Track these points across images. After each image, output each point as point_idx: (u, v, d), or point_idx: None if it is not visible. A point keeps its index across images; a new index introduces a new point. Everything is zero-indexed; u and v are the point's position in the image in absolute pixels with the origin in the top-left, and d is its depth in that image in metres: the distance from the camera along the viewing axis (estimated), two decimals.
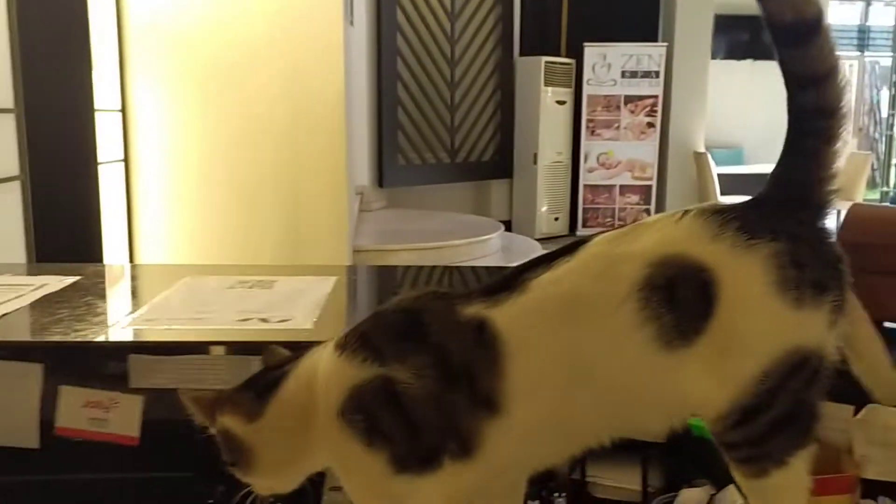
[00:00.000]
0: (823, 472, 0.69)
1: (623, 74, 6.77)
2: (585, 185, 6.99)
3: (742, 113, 7.73)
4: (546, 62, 6.68)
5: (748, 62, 7.92)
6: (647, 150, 6.91)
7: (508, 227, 5.92)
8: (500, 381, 0.59)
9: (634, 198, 7.00)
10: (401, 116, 6.26)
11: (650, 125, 6.87)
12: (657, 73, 6.78)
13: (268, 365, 0.66)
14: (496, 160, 6.97)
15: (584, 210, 7.03)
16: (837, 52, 0.64)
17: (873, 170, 8.22)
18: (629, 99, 6.83)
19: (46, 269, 1.18)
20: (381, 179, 6.16)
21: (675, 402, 0.62)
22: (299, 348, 0.65)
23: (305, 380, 0.62)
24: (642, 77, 6.79)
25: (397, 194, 6.27)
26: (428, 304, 0.63)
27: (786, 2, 0.62)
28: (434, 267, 1.51)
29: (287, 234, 3.85)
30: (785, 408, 0.61)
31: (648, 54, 6.77)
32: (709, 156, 6.84)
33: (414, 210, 6.08)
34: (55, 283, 1.10)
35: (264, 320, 0.93)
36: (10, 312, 0.95)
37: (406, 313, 0.63)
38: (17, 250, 2.85)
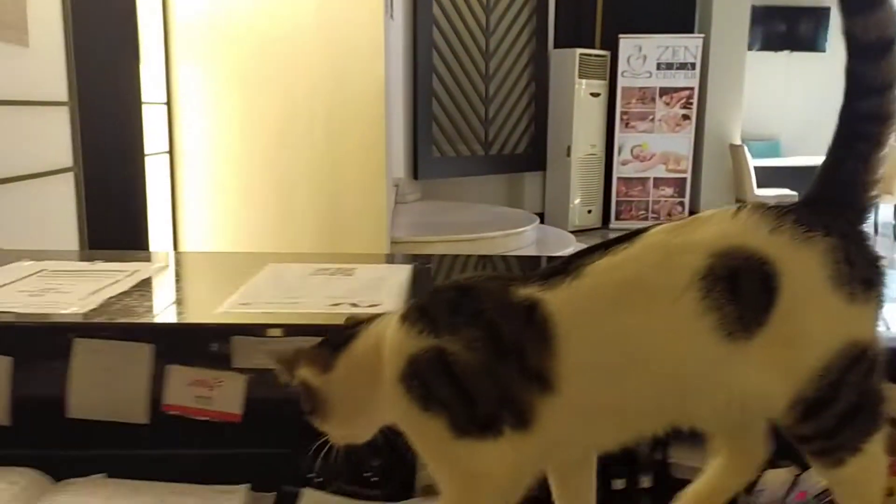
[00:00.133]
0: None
1: (658, 66, 6.72)
2: (619, 178, 6.96)
3: (779, 104, 7.63)
4: (580, 54, 6.66)
5: (785, 53, 7.82)
6: (681, 143, 6.86)
7: (541, 219, 5.91)
8: (550, 361, 0.61)
9: (668, 190, 6.96)
10: (435, 109, 6.29)
11: (685, 117, 6.82)
12: (693, 65, 6.72)
13: (343, 326, 0.71)
14: (530, 153, 6.97)
15: (618, 203, 7.01)
16: None
17: None
18: (664, 91, 6.78)
19: (99, 255, 1.24)
20: (415, 171, 6.20)
21: (733, 393, 0.63)
22: None
23: (374, 341, 0.67)
24: (678, 69, 6.73)
25: (431, 186, 6.30)
26: (482, 283, 0.67)
27: (873, 25, 0.64)
28: (504, 256, 1.53)
29: (326, 225, 3.90)
30: (850, 400, 0.62)
31: (684, 46, 6.71)
32: (745, 148, 6.76)
33: (448, 202, 6.11)
34: (146, 269, 1.15)
35: (354, 305, 0.97)
36: (114, 296, 1.00)
37: (461, 290, 0.67)
38: (70, 238, 2.94)
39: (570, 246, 5.06)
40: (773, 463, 0.85)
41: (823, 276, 0.62)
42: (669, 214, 6.90)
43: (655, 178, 6.93)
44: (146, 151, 3.51)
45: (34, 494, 0.83)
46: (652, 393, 0.63)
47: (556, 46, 6.86)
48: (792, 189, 6.47)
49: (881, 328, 0.66)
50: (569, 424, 0.63)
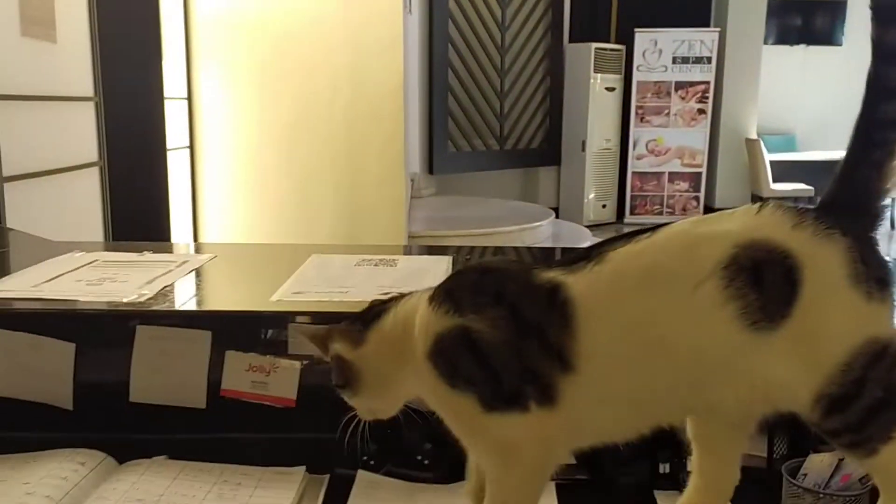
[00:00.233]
0: None
1: (674, 60, 6.70)
2: (634, 173, 6.95)
3: (794, 99, 7.59)
4: (596, 48, 6.65)
5: (801, 47, 7.77)
6: (697, 137, 6.84)
7: (556, 214, 5.92)
8: (571, 341, 0.63)
9: (684, 185, 6.94)
10: (451, 104, 6.30)
11: (701, 111, 6.80)
12: (709, 59, 6.70)
13: (375, 302, 0.75)
14: (544, 147, 6.97)
15: (633, 197, 7.00)
16: None
17: None
18: (680, 85, 6.76)
19: (124, 247, 1.27)
20: (431, 166, 6.22)
21: (756, 382, 0.65)
22: None
23: (402, 318, 0.70)
24: (694, 63, 6.71)
25: (446, 181, 6.32)
26: (505, 265, 0.71)
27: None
28: (529, 248, 1.55)
29: (344, 219, 3.93)
30: (875, 395, 0.64)
31: (700, 40, 6.68)
32: (761, 142, 6.74)
33: (463, 197, 6.13)
34: (194, 260, 1.18)
35: (403, 295, 0.99)
36: (169, 285, 1.03)
37: (485, 272, 0.71)
38: (95, 230, 2.98)
39: (585, 240, 5.06)
40: (816, 448, 0.87)
41: (843, 274, 0.64)
42: (684, 209, 6.89)
43: (670, 173, 6.92)
44: (168, 146, 3.55)
45: (101, 475, 0.86)
46: (672, 378, 0.65)
47: (571, 41, 6.85)
48: (807, 184, 6.45)
49: None
50: (590, 406, 0.65)
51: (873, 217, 0.68)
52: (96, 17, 2.96)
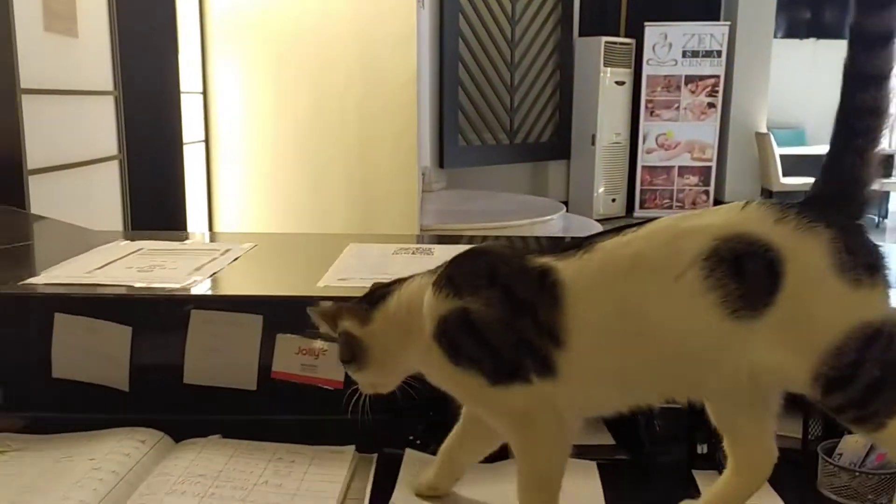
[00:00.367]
0: None
1: (684, 54, 6.71)
2: (643, 167, 6.96)
3: (804, 92, 7.58)
4: (605, 42, 6.66)
5: (811, 41, 7.77)
6: (707, 131, 6.85)
7: (566, 208, 5.95)
8: (560, 319, 0.68)
9: (693, 179, 6.95)
10: (461, 98, 6.32)
11: (711, 105, 6.81)
12: (719, 53, 6.70)
13: (378, 285, 0.80)
14: (554, 141, 6.99)
15: (642, 191, 7.02)
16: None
17: None
18: (690, 79, 6.77)
19: (143, 236, 1.30)
20: (441, 160, 6.24)
21: (740, 365, 0.68)
22: None
23: (406, 299, 0.75)
24: (704, 57, 6.72)
25: (457, 175, 6.35)
26: (499, 249, 0.75)
27: (876, 19, 0.69)
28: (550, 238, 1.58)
29: (357, 212, 3.96)
30: (874, 374, 0.66)
31: (710, 33, 6.69)
32: (771, 136, 6.75)
33: (474, 190, 6.16)
34: (236, 249, 1.21)
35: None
36: (217, 272, 1.07)
37: (481, 256, 0.75)
38: (115, 221, 3.03)
39: None
40: (849, 430, 0.90)
41: (827, 264, 0.67)
42: (694, 203, 6.91)
43: (680, 167, 6.93)
44: (184, 140, 3.59)
45: (161, 452, 0.89)
46: (657, 360, 0.70)
47: (581, 34, 6.86)
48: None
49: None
50: (585, 379, 0.70)
51: (860, 205, 0.71)
52: (115, 12, 2.99)
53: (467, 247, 0.78)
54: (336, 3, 3.78)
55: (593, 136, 6.81)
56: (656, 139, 6.91)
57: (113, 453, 0.86)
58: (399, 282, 0.78)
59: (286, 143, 3.94)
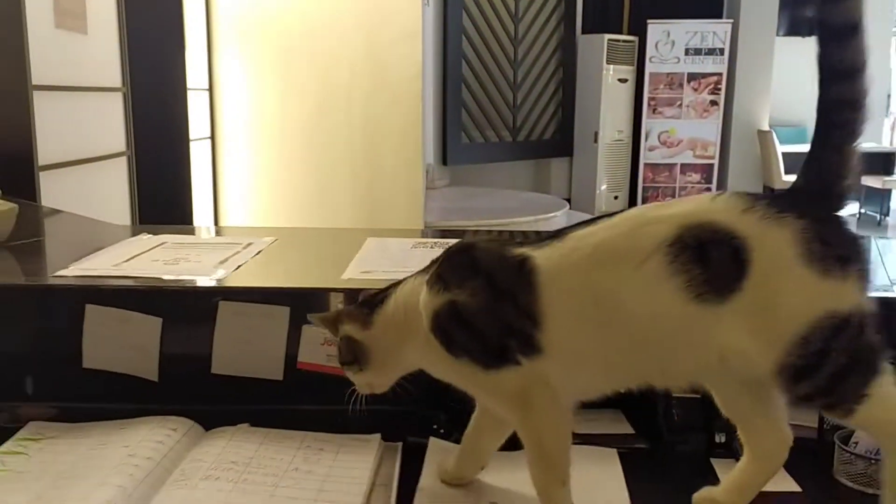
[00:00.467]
0: None
1: (687, 52, 6.72)
2: (646, 164, 6.97)
3: (807, 90, 7.59)
4: (608, 40, 6.67)
5: (813, 39, 7.74)
6: (709, 129, 6.86)
7: (568, 205, 5.96)
8: (537, 303, 0.72)
9: (696, 176, 6.97)
10: (465, 95, 6.33)
11: (713, 103, 6.82)
12: (722, 50, 6.71)
13: (376, 291, 0.84)
14: (557, 138, 7.00)
15: (644, 189, 7.03)
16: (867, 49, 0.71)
17: None
18: (692, 76, 6.78)
19: (164, 230, 1.31)
20: (444, 157, 6.26)
21: (708, 349, 0.71)
22: None
23: (402, 301, 0.79)
24: (706, 54, 6.72)
25: (459, 172, 6.36)
26: (483, 244, 0.78)
27: (841, 9, 0.70)
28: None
29: (362, 209, 3.97)
30: (839, 362, 0.68)
31: (713, 31, 6.70)
32: (773, 134, 6.76)
33: (477, 187, 6.17)
34: (258, 242, 1.23)
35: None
36: (242, 265, 1.09)
37: (465, 250, 0.78)
38: (123, 216, 3.05)
39: None
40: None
41: (794, 253, 0.68)
42: None
43: (682, 164, 6.94)
44: (190, 137, 3.60)
45: (192, 439, 0.91)
46: (627, 344, 0.73)
47: (584, 32, 6.87)
48: None
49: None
50: (564, 361, 0.74)
51: (837, 197, 0.72)
52: (124, 9, 3.01)
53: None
54: (342, 1, 3.79)
55: (596, 134, 6.82)
56: (659, 136, 6.92)
57: (146, 440, 0.88)
58: (394, 286, 0.82)
59: (291, 140, 3.96)
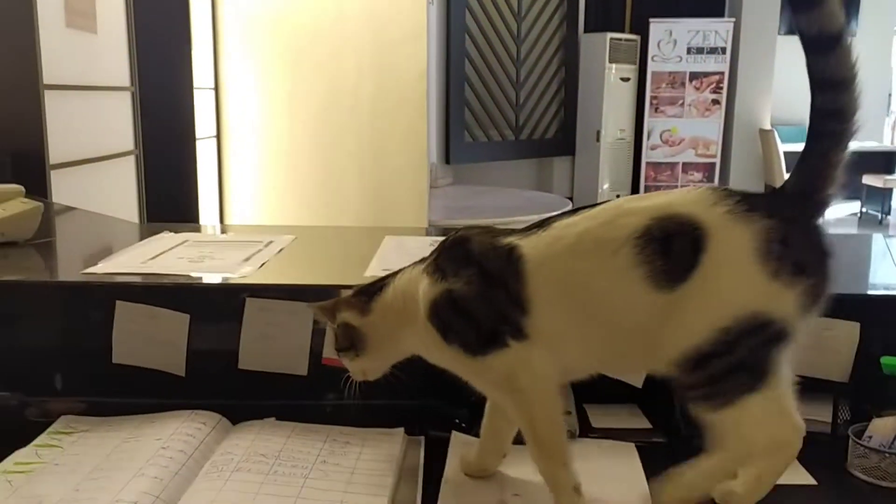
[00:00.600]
0: None
1: (689, 51, 6.74)
2: (648, 163, 6.99)
3: (808, 89, 7.61)
4: (611, 38, 6.69)
5: None
6: (711, 128, 6.88)
7: (571, 204, 5.98)
8: (524, 289, 0.75)
9: (698, 175, 6.99)
10: (468, 94, 6.35)
11: (715, 102, 6.84)
12: (724, 49, 6.73)
13: (373, 280, 0.87)
14: (559, 137, 7.02)
15: (646, 187, 7.04)
16: (856, 64, 0.72)
17: None
18: (694, 75, 6.80)
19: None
20: (447, 156, 6.28)
21: (657, 343, 0.73)
22: None
23: (401, 289, 0.82)
24: (708, 53, 6.75)
25: (462, 170, 6.38)
26: (477, 235, 0.81)
27: (813, 18, 0.72)
28: None
29: (367, 207, 3.99)
30: (740, 357, 0.71)
31: (715, 30, 6.72)
32: (775, 133, 6.79)
33: (480, 186, 6.19)
34: (279, 240, 1.25)
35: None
36: (266, 262, 1.11)
37: (461, 242, 0.81)
38: (131, 212, 3.07)
39: None
40: (879, 413, 0.94)
41: (750, 249, 0.70)
42: None
43: (684, 163, 6.97)
44: (196, 136, 3.62)
45: (221, 433, 0.93)
46: (604, 330, 0.76)
47: (586, 31, 6.88)
48: None
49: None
50: (550, 344, 0.77)
51: (817, 204, 0.74)
52: (132, 8, 3.03)
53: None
54: (348, 1, 3.81)
55: (598, 133, 6.84)
56: (661, 135, 6.95)
57: (178, 434, 0.90)
58: (392, 275, 0.85)
59: (296, 139, 3.97)
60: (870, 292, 1.16)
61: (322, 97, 3.89)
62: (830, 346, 0.99)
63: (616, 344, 0.77)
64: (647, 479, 0.89)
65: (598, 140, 6.86)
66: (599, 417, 1.02)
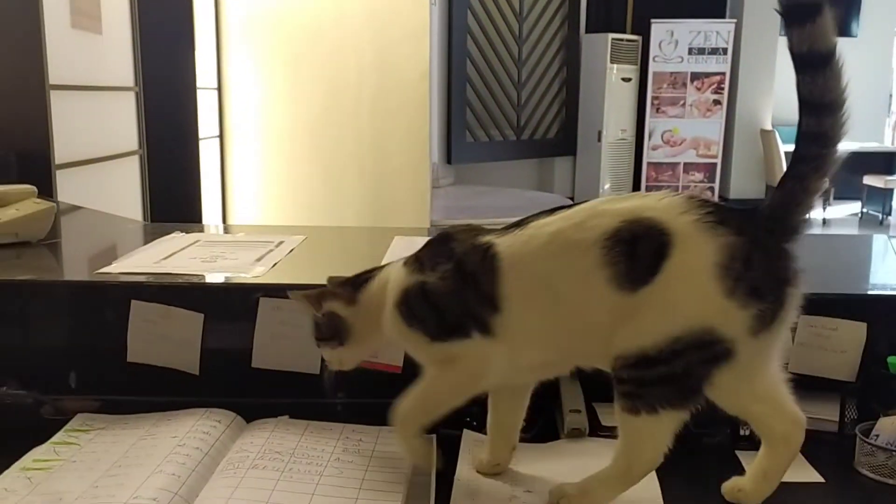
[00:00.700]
0: None
1: (690, 51, 6.76)
2: (649, 163, 7.01)
3: None
4: (612, 39, 6.70)
5: None
6: (712, 128, 6.90)
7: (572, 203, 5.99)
8: (498, 287, 0.77)
9: (698, 175, 7.01)
10: (469, 94, 6.36)
11: (716, 102, 6.86)
12: (725, 50, 6.75)
13: (360, 272, 0.90)
14: (560, 137, 7.03)
15: (647, 188, 7.06)
16: (845, 86, 0.70)
17: None
18: (696, 76, 6.81)
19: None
20: (449, 156, 6.29)
21: (611, 341, 0.74)
22: None
23: (384, 281, 0.85)
24: (710, 54, 6.76)
25: (464, 170, 6.39)
26: (458, 233, 0.82)
27: (805, 34, 0.71)
28: None
29: (369, 207, 4.00)
30: (677, 368, 0.72)
31: (716, 31, 6.73)
32: (776, 133, 6.80)
33: (481, 186, 6.20)
34: (290, 240, 1.26)
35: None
36: (279, 262, 1.12)
37: (444, 239, 0.82)
38: (135, 211, 3.08)
39: None
40: (886, 412, 0.95)
41: (711, 263, 0.70)
42: None
43: (686, 164, 6.98)
44: (200, 135, 3.64)
45: (236, 431, 0.94)
46: (572, 329, 0.77)
47: (587, 31, 6.90)
48: None
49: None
50: (516, 341, 0.78)
51: (789, 229, 0.73)
52: (136, 9, 3.04)
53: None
54: (349, 3, 3.82)
55: (599, 133, 6.86)
56: (662, 136, 6.96)
57: (194, 431, 0.91)
58: (379, 268, 0.89)
59: (299, 138, 3.98)
60: (876, 292, 1.18)
61: (324, 97, 3.90)
62: (837, 345, 1.00)
63: (577, 342, 0.79)
64: (658, 477, 0.90)
65: (599, 140, 6.87)
66: (609, 416, 1.03)
